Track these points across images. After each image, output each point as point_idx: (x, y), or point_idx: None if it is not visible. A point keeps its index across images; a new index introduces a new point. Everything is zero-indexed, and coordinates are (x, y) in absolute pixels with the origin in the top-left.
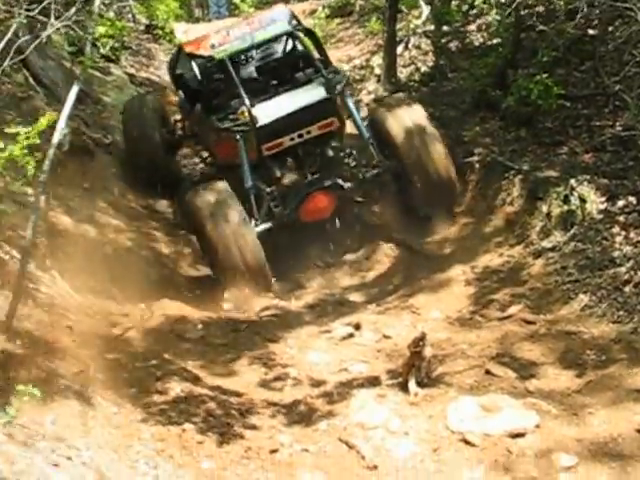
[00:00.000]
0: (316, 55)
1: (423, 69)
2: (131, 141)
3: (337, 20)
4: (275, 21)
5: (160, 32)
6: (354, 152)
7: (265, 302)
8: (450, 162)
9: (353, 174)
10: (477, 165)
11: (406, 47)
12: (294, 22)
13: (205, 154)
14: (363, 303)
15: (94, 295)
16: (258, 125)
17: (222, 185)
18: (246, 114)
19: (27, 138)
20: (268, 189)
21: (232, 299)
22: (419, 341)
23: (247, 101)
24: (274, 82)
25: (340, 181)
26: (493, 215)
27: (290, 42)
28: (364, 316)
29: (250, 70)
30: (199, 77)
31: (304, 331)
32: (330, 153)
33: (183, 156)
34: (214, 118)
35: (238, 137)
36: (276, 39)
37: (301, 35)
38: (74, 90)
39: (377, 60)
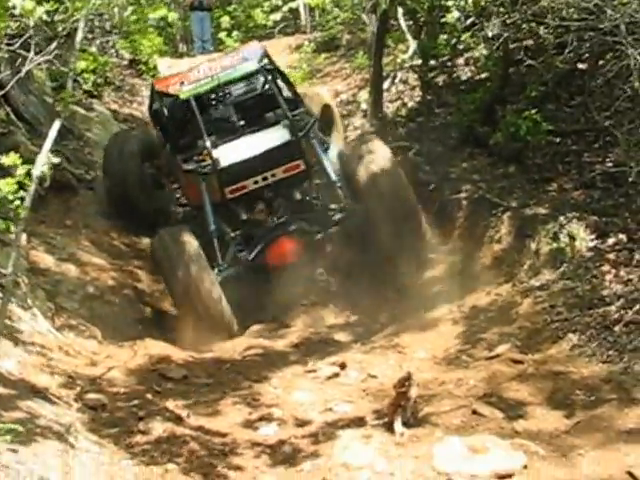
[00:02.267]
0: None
1: (410, 104)
2: (112, 177)
3: (324, 55)
4: (246, 60)
5: (144, 67)
6: (321, 195)
7: (248, 342)
8: (415, 203)
9: (320, 217)
10: (464, 202)
11: (393, 82)
12: (265, 61)
13: (180, 193)
14: (348, 342)
15: (76, 334)
16: (220, 167)
17: (184, 230)
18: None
19: (26, 175)
20: (232, 233)
21: (188, 343)
22: (405, 381)
23: (208, 142)
24: (242, 122)
25: (305, 225)
26: (481, 253)
27: (261, 81)
28: (349, 355)
29: (220, 109)
30: (167, 115)
31: (289, 370)
32: (297, 196)
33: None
34: (179, 158)
35: (200, 179)
36: (242, 79)
37: (270, 74)
38: (55, 125)
39: (364, 95)
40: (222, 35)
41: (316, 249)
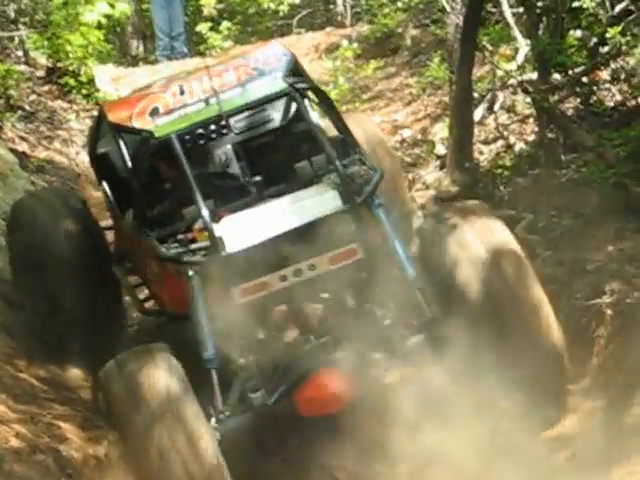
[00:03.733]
0: (332, 132)
1: (519, 146)
2: (24, 266)
3: (374, 62)
4: (263, 73)
5: (71, 81)
6: (391, 301)
7: None
8: (555, 322)
9: (387, 338)
10: (610, 311)
11: (490, 109)
12: (295, 75)
13: (145, 292)
14: None
15: None
16: (225, 253)
17: (160, 353)
18: (205, 233)
19: None
20: (242, 360)
21: None
22: None
23: (205, 211)
24: (258, 178)
25: (362, 350)
26: (636, 397)
27: (289, 108)
28: None
29: (222, 156)
30: (129, 165)
31: None
32: (349, 301)
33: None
34: (153, 237)
35: (190, 273)
36: (261, 104)
37: (304, 98)
38: None
39: (441, 131)
40: (203, 28)
41: (379, 389)
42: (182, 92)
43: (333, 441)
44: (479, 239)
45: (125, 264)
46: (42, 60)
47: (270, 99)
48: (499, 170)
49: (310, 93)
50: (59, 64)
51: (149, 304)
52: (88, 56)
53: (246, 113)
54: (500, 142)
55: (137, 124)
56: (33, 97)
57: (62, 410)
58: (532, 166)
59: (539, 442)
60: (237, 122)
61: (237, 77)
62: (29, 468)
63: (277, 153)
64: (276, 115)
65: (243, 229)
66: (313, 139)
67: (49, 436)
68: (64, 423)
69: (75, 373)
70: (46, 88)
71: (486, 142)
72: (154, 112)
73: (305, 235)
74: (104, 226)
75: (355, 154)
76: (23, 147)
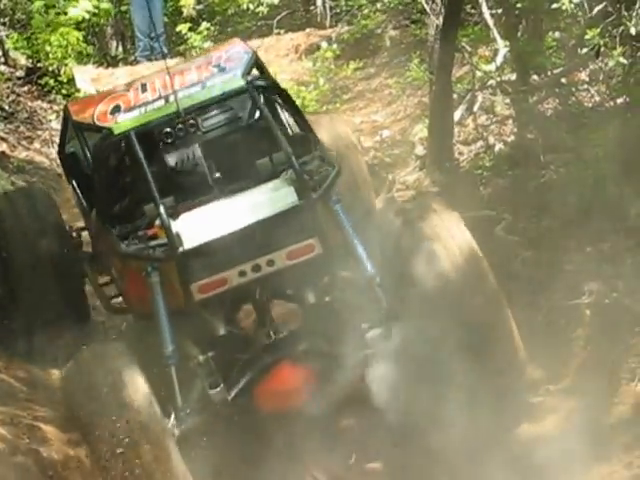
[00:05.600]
0: (294, 129)
1: (498, 147)
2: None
3: (353, 63)
4: (223, 70)
5: (51, 81)
6: (348, 294)
7: None
8: (508, 317)
9: (347, 332)
10: (588, 311)
11: (470, 110)
12: (254, 72)
13: (113, 289)
14: None
15: None
16: (182, 250)
17: (116, 350)
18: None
19: None
20: (201, 356)
21: None
22: None
23: (162, 208)
24: (217, 175)
25: (322, 344)
26: (616, 396)
27: (249, 107)
28: None
29: (182, 153)
30: (91, 162)
31: None
32: (309, 297)
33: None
34: (115, 233)
35: (149, 269)
36: (218, 103)
37: (264, 95)
38: None
39: (420, 131)
40: (183, 29)
41: (339, 384)
42: (144, 90)
43: (312, 440)
44: (435, 233)
45: (95, 262)
46: (22, 60)
47: (228, 96)
48: (479, 171)
49: (269, 90)
50: (39, 64)
51: (118, 302)
52: (68, 56)
53: (212, 111)
54: (479, 143)
55: (98, 122)
56: (13, 97)
57: (42, 411)
58: (511, 167)
59: (519, 441)
60: (198, 119)
61: (198, 75)
62: (9, 470)
63: (239, 150)
64: (240, 112)
65: (200, 225)
66: (272, 136)
67: (29, 438)
68: (44, 424)
69: (55, 374)
70: (26, 88)
71: (466, 143)
72: (115, 110)
73: (263, 231)
74: (80, 227)
75: (315, 151)
76: (3, 147)
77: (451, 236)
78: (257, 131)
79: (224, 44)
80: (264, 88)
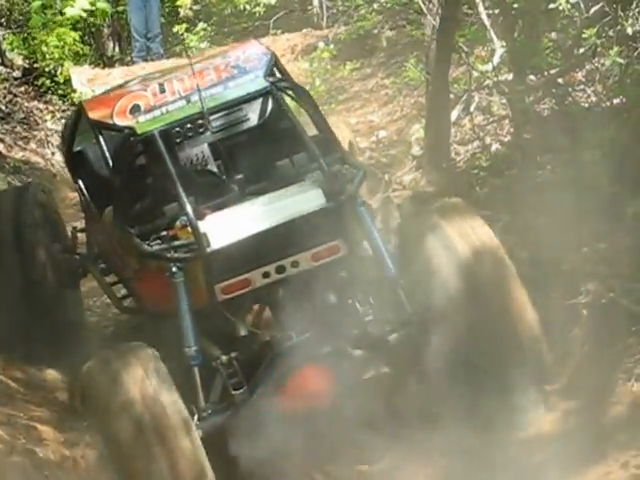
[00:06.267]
0: (313, 131)
1: (495, 147)
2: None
3: (350, 63)
4: (244, 71)
5: (48, 82)
6: (371, 297)
7: None
8: (535, 317)
9: (368, 334)
10: (585, 311)
11: (466, 110)
12: (275, 74)
13: (123, 291)
14: None
15: None
16: (209, 250)
17: (142, 352)
18: (189, 230)
19: None
20: (224, 357)
21: None
22: None
23: (189, 208)
24: (240, 176)
25: (345, 346)
26: (613, 396)
27: (269, 108)
28: None
29: (201, 153)
30: (110, 162)
31: None
32: (332, 298)
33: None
34: (134, 234)
35: (174, 270)
36: (241, 104)
37: (286, 96)
38: None
39: (417, 132)
40: (179, 29)
41: (361, 384)
42: (162, 90)
43: (311, 441)
44: (458, 236)
45: (100, 263)
46: (19, 61)
47: (252, 97)
48: (475, 171)
49: (292, 92)
50: (35, 65)
51: (127, 302)
52: (64, 57)
53: (228, 111)
54: (476, 143)
55: (118, 121)
56: (9, 98)
57: (39, 412)
58: (508, 167)
59: (515, 442)
60: (219, 120)
61: (218, 75)
62: (5, 470)
63: (258, 151)
64: (256, 114)
65: (227, 226)
66: (295, 137)
67: (26, 438)
68: (41, 425)
69: (51, 373)
70: (22, 89)
71: (462, 143)
72: (135, 109)
73: (288, 232)
74: (78, 228)
75: (336, 153)
76: None
77: (475, 239)
78: (277, 132)
79: (240, 45)
80: (287, 89)
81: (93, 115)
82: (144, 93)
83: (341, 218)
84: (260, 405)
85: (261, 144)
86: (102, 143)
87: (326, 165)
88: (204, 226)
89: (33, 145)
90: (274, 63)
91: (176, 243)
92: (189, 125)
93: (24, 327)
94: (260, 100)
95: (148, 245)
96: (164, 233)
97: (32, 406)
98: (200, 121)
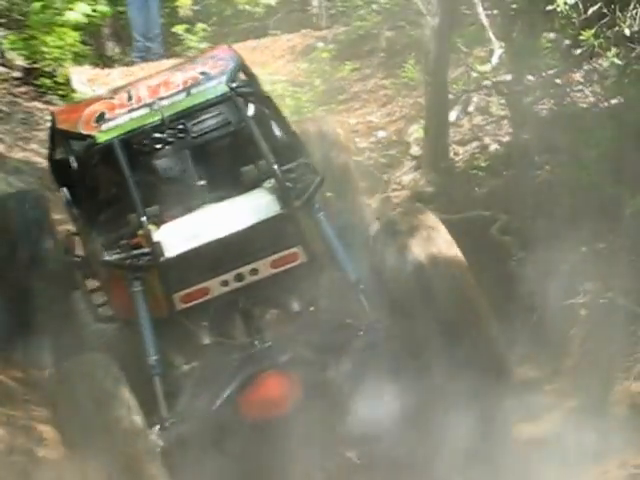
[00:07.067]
0: (279, 137)
1: (493, 147)
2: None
3: (349, 64)
4: (209, 77)
5: (48, 82)
6: (332, 303)
7: None
8: (494, 324)
9: (331, 341)
10: (583, 312)
11: (465, 111)
12: (240, 78)
13: (103, 296)
14: None
15: None
16: (164, 259)
17: (100, 361)
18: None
19: None
20: (186, 366)
21: None
22: None
23: (144, 217)
24: (201, 183)
25: (307, 353)
26: (610, 395)
27: (235, 113)
28: None
29: (166, 161)
30: (76, 170)
31: None
32: (293, 306)
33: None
34: (98, 242)
35: (131, 278)
36: (201, 110)
37: (248, 102)
38: None
39: (416, 132)
40: (179, 30)
41: (325, 392)
42: (130, 97)
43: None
44: (421, 244)
45: (86, 268)
46: (19, 61)
47: (212, 104)
48: (474, 171)
49: (253, 97)
50: (35, 65)
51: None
52: (64, 57)
53: (191, 118)
54: (475, 143)
55: (83, 130)
56: (9, 98)
57: (39, 411)
58: (507, 167)
59: (513, 443)
60: (182, 126)
61: (184, 81)
62: (6, 469)
63: (221, 157)
64: (226, 119)
65: (182, 234)
66: (255, 144)
67: (24, 438)
68: (41, 425)
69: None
70: (22, 89)
71: (461, 143)
72: (100, 117)
73: (245, 240)
74: (69, 232)
75: (300, 158)
76: None
77: (435, 246)
78: (243, 138)
79: (211, 50)
80: (248, 95)
81: (62, 124)
82: (111, 101)
83: (298, 225)
84: (221, 414)
85: (224, 150)
86: (70, 150)
87: (285, 171)
88: (160, 234)
89: (34, 145)
90: (239, 68)
91: (134, 252)
92: (153, 133)
93: (24, 329)
94: (225, 106)
95: (109, 253)
96: (124, 242)
97: (32, 406)
98: (162, 128)
